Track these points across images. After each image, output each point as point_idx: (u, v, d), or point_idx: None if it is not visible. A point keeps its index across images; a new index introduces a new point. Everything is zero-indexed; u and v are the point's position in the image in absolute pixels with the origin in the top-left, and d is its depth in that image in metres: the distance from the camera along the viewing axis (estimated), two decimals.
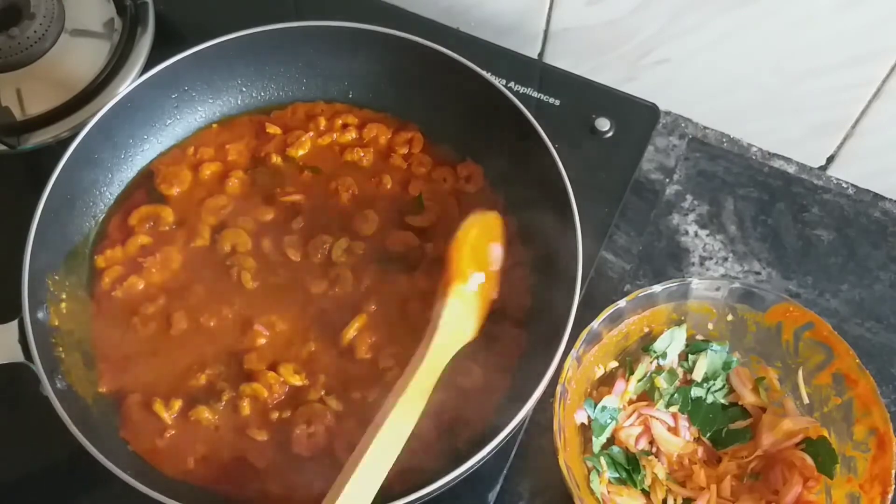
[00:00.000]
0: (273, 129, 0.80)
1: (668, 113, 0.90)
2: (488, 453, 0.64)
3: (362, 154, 0.80)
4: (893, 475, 0.65)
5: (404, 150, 0.80)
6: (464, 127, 0.79)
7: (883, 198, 0.87)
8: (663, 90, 0.87)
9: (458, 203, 0.78)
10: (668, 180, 0.87)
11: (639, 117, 0.84)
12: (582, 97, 0.85)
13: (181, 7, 0.91)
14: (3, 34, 0.81)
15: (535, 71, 0.88)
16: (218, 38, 0.77)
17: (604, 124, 0.83)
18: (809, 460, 0.69)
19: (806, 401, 0.71)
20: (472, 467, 0.63)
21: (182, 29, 0.90)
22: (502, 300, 0.73)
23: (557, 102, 0.85)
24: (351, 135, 0.81)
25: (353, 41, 0.79)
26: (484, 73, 0.76)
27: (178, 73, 0.77)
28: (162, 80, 0.77)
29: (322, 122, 0.81)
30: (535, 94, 0.85)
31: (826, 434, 0.69)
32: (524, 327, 0.72)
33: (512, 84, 0.85)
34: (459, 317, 0.67)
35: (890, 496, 0.65)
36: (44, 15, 0.83)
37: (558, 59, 0.91)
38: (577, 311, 0.74)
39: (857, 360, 0.68)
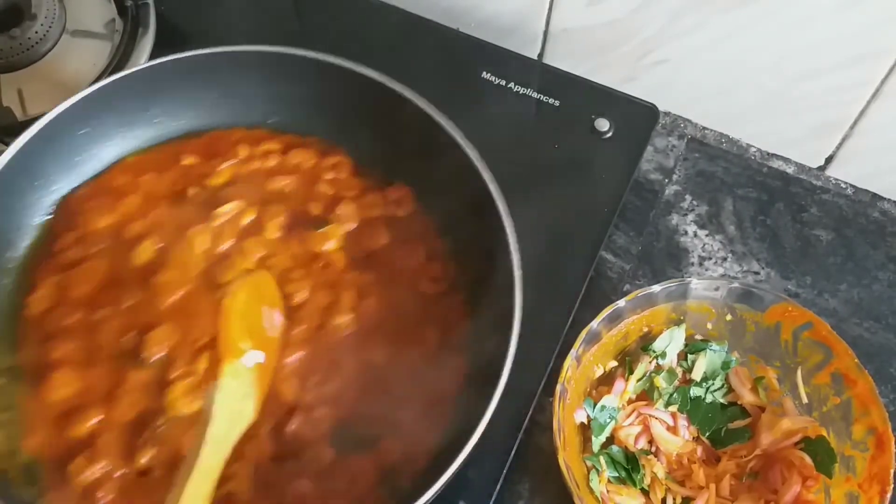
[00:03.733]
0: (189, 160, 0.76)
1: (667, 113, 0.90)
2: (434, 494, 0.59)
3: (286, 181, 0.76)
4: (892, 474, 0.65)
5: (330, 176, 0.77)
6: (392, 149, 0.76)
7: (881, 198, 0.87)
8: (663, 90, 0.88)
9: (387, 229, 0.74)
10: (667, 181, 0.87)
11: (638, 118, 0.85)
12: (581, 98, 0.85)
13: (182, 8, 0.91)
14: (5, 35, 0.82)
15: (535, 72, 0.89)
16: (122, 72, 0.74)
17: (603, 125, 0.83)
18: (808, 459, 0.69)
19: (805, 400, 0.71)
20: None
21: (183, 30, 0.90)
22: (440, 328, 0.69)
23: (557, 103, 0.85)
24: (273, 161, 0.77)
25: (273, 66, 0.77)
26: (402, 90, 0.73)
27: (86, 110, 0.73)
28: (68, 117, 0.72)
29: (242, 151, 0.77)
30: (535, 95, 0.85)
31: (825, 433, 0.70)
32: (463, 356, 0.68)
33: (512, 85, 0.85)
34: (235, 399, 0.59)
35: (888, 495, 0.65)
36: (45, 16, 0.83)
37: (558, 59, 0.92)
38: (576, 311, 0.74)
39: (856, 360, 0.68)
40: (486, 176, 0.70)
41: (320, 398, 0.66)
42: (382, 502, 0.63)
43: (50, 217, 0.74)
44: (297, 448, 0.65)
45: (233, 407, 0.59)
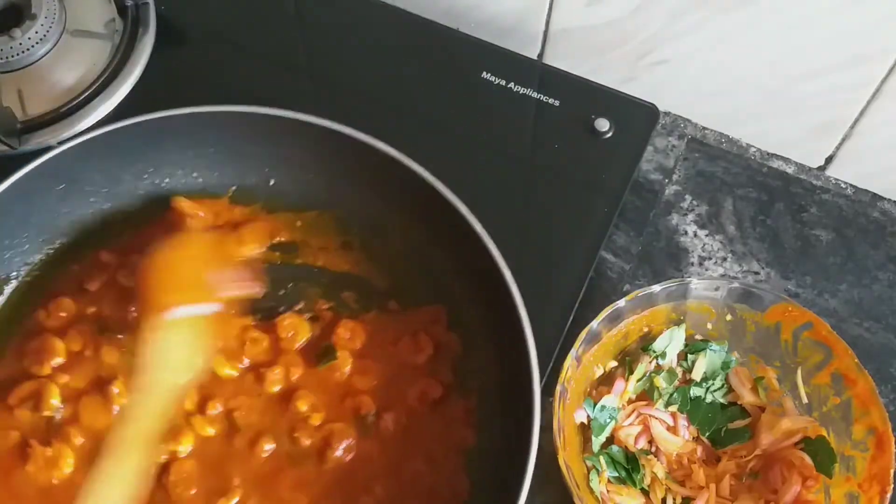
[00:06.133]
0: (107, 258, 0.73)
1: (667, 113, 0.90)
2: None
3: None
4: (892, 474, 0.65)
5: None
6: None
7: (881, 198, 0.87)
8: (663, 90, 0.88)
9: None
10: (667, 181, 0.87)
11: (638, 118, 0.84)
12: (581, 98, 0.85)
13: (183, 8, 0.91)
14: (5, 35, 0.81)
15: (535, 72, 0.88)
16: (111, 126, 0.72)
17: (603, 125, 0.83)
18: (808, 460, 0.69)
19: (805, 400, 0.71)
20: None
21: (183, 30, 0.90)
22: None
23: (557, 103, 0.85)
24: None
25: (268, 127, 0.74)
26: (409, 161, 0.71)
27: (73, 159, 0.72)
28: (47, 168, 0.71)
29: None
30: (535, 95, 0.85)
31: (825, 433, 0.70)
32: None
33: (511, 85, 0.85)
34: (171, 349, 0.59)
35: (888, 495, 0.65)
36: (45, 16, 0.83)
37: (558, 59, 0.92)
38: (576, 311, 0.74)
39: (856, 360, 0.68)
40: (499, 259, 0.68)
41: None
42: None
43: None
44: None
45: (168, 356, 0.58)
